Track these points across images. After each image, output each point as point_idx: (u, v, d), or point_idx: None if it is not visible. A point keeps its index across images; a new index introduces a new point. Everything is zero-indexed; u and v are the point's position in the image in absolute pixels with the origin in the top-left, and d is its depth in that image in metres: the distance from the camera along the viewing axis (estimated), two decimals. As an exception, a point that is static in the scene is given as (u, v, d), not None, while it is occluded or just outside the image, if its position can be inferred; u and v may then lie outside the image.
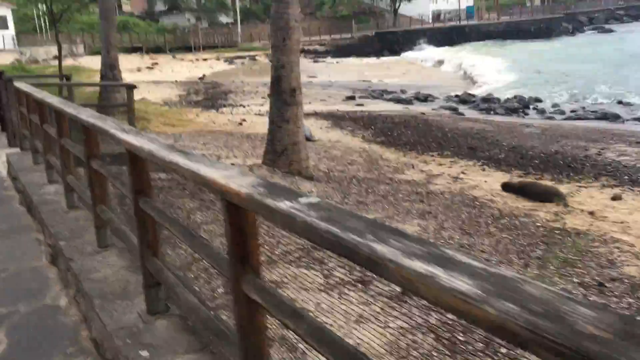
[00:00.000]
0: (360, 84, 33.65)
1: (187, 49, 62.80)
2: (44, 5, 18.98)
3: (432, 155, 12.67)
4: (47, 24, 52.28)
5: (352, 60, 56.56)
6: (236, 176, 2.01)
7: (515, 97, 24.13)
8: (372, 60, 57.05)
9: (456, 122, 17.45)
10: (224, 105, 22.67)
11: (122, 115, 15.57)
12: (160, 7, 73.57)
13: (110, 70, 15.55)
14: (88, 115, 3.62)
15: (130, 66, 39.88)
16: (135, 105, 18.92)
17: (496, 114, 21.30)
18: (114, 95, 15.67)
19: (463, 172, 10.84)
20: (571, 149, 13.07)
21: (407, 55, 59.24)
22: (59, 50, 18.66)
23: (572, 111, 21.01)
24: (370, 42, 66.02)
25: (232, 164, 9.53)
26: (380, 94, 28.52)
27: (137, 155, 2.79)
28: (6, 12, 47.99)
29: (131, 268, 3.63)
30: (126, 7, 69.72)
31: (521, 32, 64.53)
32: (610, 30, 71.50)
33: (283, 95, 8.87)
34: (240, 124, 17.02)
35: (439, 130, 15.79)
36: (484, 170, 11.18)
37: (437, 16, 78.41)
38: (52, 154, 5.94)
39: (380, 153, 12.83)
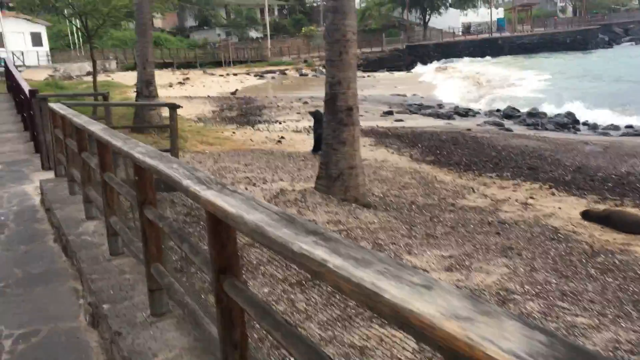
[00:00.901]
0: (395, 98, 32.78)
1: (218, 63, 62.82)
2: (79, 22, 18.55)
3: (491, 177, 11.70)
4: (81, 40, 52.71)
5: (383, 75, 55.79)
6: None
7: (567, 113, 22.93)
8: (403, 74, 56.19)
9: (507, 139, 16.42)
10: (259, 122, 21.98)
11: (157, 136, 15.00)
12: (190, 22, 73.93)
13: (146, 86, 14.96)
14: (144, 153, 2.82)
15: (161, 82, 39.60)
16: (168, 122, 18.48)
17: (545, 129, 20.19)
18: (149, 114, 15.08)
19: (531, 197, 9.85)
20: (644, 169, 11.98)
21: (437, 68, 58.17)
22: (94, 66, 18.21)
23: (628, 126, 19.79)
24: (401, 55, 65.22)
25: (281, 190, 8.72)
26: (417, 109, 27.58)
27: (222, 221, 1.97)
28: (41, 29, 48.38)
29: (196, 351, 2.80)
30: (157, 23, 70.11)
31: (556, 44, 63.02)
32: (649, 42, 69.57)
33: (339, 114, 8.05)
34: (279, 141, 16.27)
35: (491, 148, 14.80)
36: (553, 194, 10.18)
37: (467, 28, 77.20)
38: (90, 186, 5.19)
39: (433, 174, 11.91)
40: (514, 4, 73.31)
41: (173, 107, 7.93)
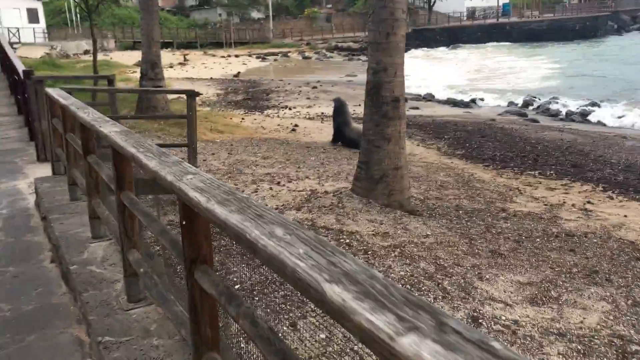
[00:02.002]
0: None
1: (218, 44, 61.31)
2: (78, -4, 17.18)
3: (534, 176, 10.61)
4: (79, 17, 51.08)
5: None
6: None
7: (592, 103, 21.78)
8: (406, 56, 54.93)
9: (538, 131, 15.30)
10: (268, 107, 20.79)
11: (162, 122, 13.82)
12: (191, 1, 72.13)
13: (151, 68, 13.73)
14: (193, 186, 1.74)
15: (162, 62, 38.35)
16: (173, 106, 17.25)
17: (572, 120, 19.08)
18: (154, 97, 13.88)
19: (589, 202, 8.76)
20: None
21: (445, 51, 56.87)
22: (94, 45, 16.90)
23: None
24: (407, 38, 63.66)
25: (312, 191, 7.63)
26: (430, 95, 26.44)
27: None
28: (37, 5, 46.78)
29: None
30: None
31: (565, 30, 61.59)
32: (660, 29, 68.20)
33: (383, 106, 6.91)
34: (294, 129, 15.12)
35: (524, 141, 13.69)
36: (611, 198, 9.09)
37: (472, 13, 75.57)
38: (99, 199, 4.08)
39: (469, 171, 10.81)
40: (522, -11, 71.66)
41: (192, 95, 6.77)
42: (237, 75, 35.86)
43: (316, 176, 9.07)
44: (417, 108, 21.53)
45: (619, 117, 19.52)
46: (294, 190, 7.85)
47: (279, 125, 15.99)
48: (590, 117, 19.82)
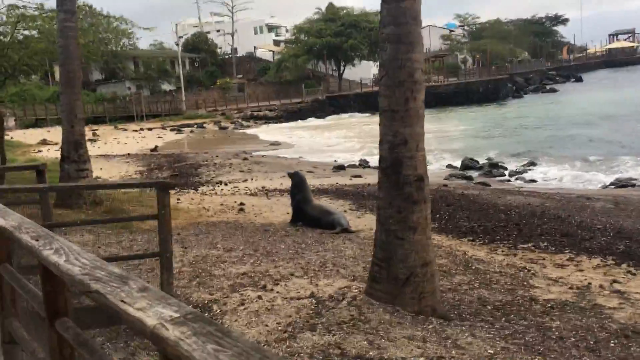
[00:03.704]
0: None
1: (129, 118, 58.83)
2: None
3: (531, 250, 9.57)
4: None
5: (303, 123, 54.75)
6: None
7: (530, 162, 21.79)
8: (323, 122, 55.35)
9: (500, 196, 14.55)
10: (201, 183, 19.01)
11: (89, 211, 11.77)
12: (96, 76, 69.35)
13: (74, 149, 11.72)
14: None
15: (69, 139, 35.54)
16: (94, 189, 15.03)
17: (518, 181, 18.77)
18: (80, 181, 11.86)
19: (615, 281, 7.73)
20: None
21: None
22: (1, 124, 14.61)
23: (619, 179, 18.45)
24: (321, 105, 64.24)
25: (313, 296, 6.08)
26: (365, 162, 25.73)
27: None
28: None
29: None
30: (58, 76, 65.13)
31: (471, 93, 64.41)
32: (554, 90, 72.96)
33: (406, 187, 5.56)
34: (242, 209, 13.46)
35: (493, 209, 12.80)
36: (632, 274, 8.13)
37: (378, 80, 77.86)
38: None
39: (459, 249, 9.62)
40: (427, 55, 74.93)
41: (164, 188, 5.08)
42: (155, 149, 33.74)
43: (302, 272, 7.48)
44: (358, 176, 20.56)
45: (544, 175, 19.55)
46: (289, 298, 6.22)
47: (222, 204, 14.27)
48: (529, 176, 19.71)
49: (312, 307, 5.80)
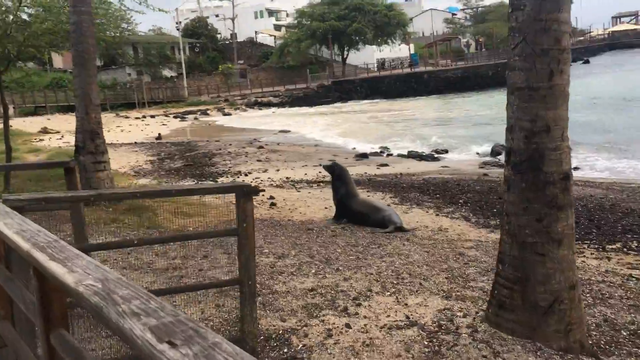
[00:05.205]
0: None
1: (130, 105, 57.33)
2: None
3: (625, 252, 8.30)
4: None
5: (310, 110, 53.31)
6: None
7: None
8: (331, 108, 53.81)
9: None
10: (218, 174, 17.70)
11: (111, 210, 10.49)
12: (97, 62, 67.65)
13: (91, 139, 10.40)
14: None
15: (69, 127, 33.88)
16: (120, 181, 13.73)
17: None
18: (95, 177, 10.56)
19: None
20: None
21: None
22: (5, 111, 13.26)
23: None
24: (327, 90, 62.75)
25: (415, 323, 4.81)
26: (385, 148, 24.47)
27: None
28: None
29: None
30: (58, 62, 63.42)
31: (480, 77, 62.88)
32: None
33: (548, 188, 4.28)
34: (273, 204, 12.18)
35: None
36: None
37: (381, 64, 76.25)
38: None
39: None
40: (434, 39, 73.34)
41: (246, 193, 3.78)
42: (159, 137, 32.37)
43: (380, 286, 6.21)
44: (385, 165, 19.26)
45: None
46: (384, 326, 4.95)
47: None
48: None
49: (425, 341, 4.54)
